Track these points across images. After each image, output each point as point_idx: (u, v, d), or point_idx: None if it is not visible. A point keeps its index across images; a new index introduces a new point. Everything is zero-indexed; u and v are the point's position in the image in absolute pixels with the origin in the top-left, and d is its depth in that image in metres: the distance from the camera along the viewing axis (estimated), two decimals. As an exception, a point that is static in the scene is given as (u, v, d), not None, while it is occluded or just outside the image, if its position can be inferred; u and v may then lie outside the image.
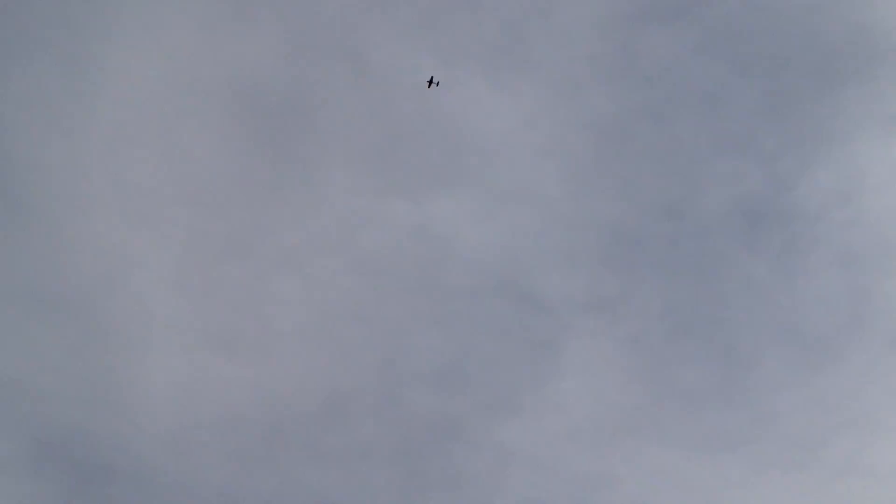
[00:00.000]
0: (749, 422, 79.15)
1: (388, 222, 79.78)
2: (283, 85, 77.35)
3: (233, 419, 76.45)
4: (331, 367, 79.43)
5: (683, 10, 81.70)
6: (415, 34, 79.83)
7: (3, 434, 70.02)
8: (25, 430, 70.92)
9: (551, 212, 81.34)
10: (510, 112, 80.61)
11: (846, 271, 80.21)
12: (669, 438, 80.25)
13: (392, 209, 79.83)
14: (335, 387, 79.15)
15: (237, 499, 73.91)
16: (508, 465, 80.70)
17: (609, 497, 79.78)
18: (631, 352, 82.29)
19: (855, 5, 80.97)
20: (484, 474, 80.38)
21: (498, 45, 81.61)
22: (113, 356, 74.60)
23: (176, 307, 76.17)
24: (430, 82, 71.60)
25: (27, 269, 73.60)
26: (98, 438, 73.06)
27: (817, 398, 77.19)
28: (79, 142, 73.05)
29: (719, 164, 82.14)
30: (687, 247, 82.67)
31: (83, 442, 72.34)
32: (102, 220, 75.00)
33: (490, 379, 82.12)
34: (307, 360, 79.20)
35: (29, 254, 73.57)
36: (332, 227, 78.57)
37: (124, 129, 74.82)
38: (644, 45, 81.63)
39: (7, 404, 71.02)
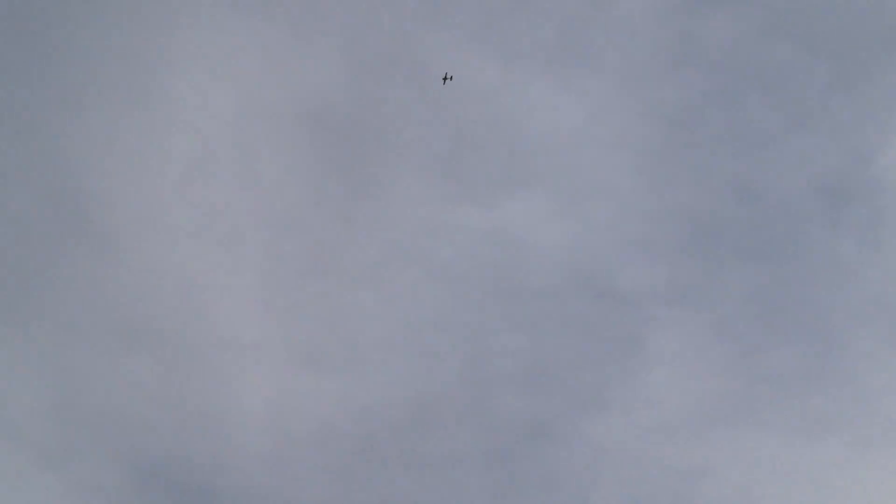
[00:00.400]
0: (846, 401, 77.23)
1: (462, 229, 79.93)
2: (349, 102, 78.21)
3: (325, 433, 77.09)
4: (417, 375, 79.70)
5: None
6: (473, 40, 79.93)
7: (108, 464, 71.70)
8: (128, 458, 72.52)
9: (625, 204, 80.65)
10: (575, 108, 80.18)
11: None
12: (765, 424, 78.71)
13: (465, 215, 79.97)
14: (423, 395, 79.37)
15: (335, 502, 74.54)
16: (602, 462, 79.94)
17: (707, 487, 78.50)
18: (718, 339, 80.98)
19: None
20: (578, 473, 79.75)
21: (557, 43, 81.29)
22: (205, 380, 75.90)
23: (262, 328, 77.27)
24: (445, 78, 71.52)
25: (117, 303, 75.42)
26: (197, 461, 74.32)
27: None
28: (157, 176, 74.80)
29: (793, 143, 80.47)
30: (766, 228, 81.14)
31: (183, 466, 73.66)
32: (185, 250, 76.53)
33: (576, 376, 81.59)
34: (393, 371, 79.53)
35: (117, 289, 75.41)
36: (407, 238, 79.02)
37: (199, 160, 76.39)
38: (706, 28, 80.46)
39: (109, 435, 72.72)
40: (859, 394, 77.28)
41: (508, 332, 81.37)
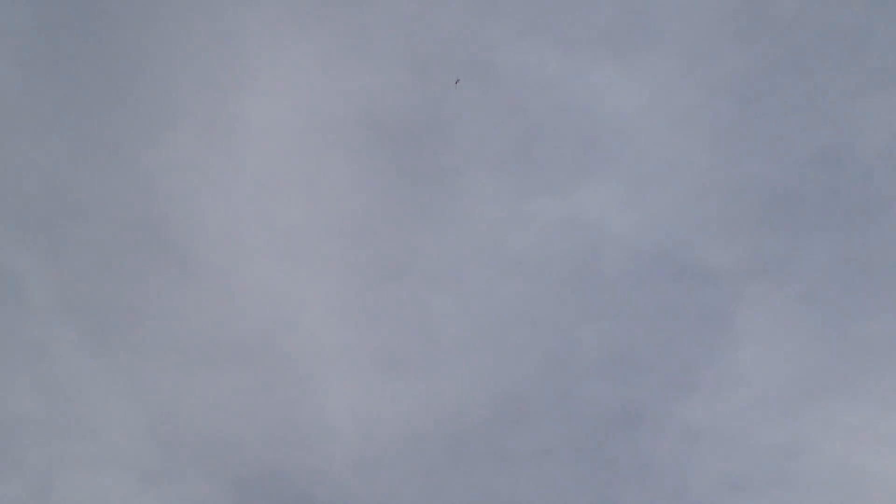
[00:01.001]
0: (947, 366, 74.63)
1: (536, 221, 79.22)
2: (411, 103, 77.99)
3: (413, 436, 77.44)
4: (501, 372, 79.42)
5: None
6: (530, 30, 78.95)
7: (207, 481, 72.97)
8: (225, 474, 73.75)
9: (700, 181, 78.99)
10: (641, 88, 78.71)
11: None
12: (861, 394, 76.66)
13: (538, 207, 79.23)
14: (508, 391, 79.09)
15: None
16: (696, 445, 78.74)
17: (805, 463, 76.82)
18: (807, 311, 78.93)
19: None
20: (672, 457, 78.71)
21: (615, 24, 79.81)
22: (293, 392, 76.75)
23: (343, 337, 77.75)
24: (457, 81, 70.94)
25: (203, 324, 76.60)
26: (293, 473, 75.30)
27: None
28: (230, 195, 75.71)
29: (872, 102, 77.68)
30: (849, 193, 78.65)
31: (280, 478, 74.67)
32: (262, 266, 77.31)
33: (663, 360, 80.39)
34: (477, 369, 79.37)
35: (203, 309, 76.58)
36: (480, 235, 78.59)
37: (269, 176, 77.08)
38: (768, -7, 78.19)
39: (206, 452, 74.00)
40: (961, 357, 74.72)
41: (591, 321, 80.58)
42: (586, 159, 79.70)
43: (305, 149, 76.70)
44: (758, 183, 78.99)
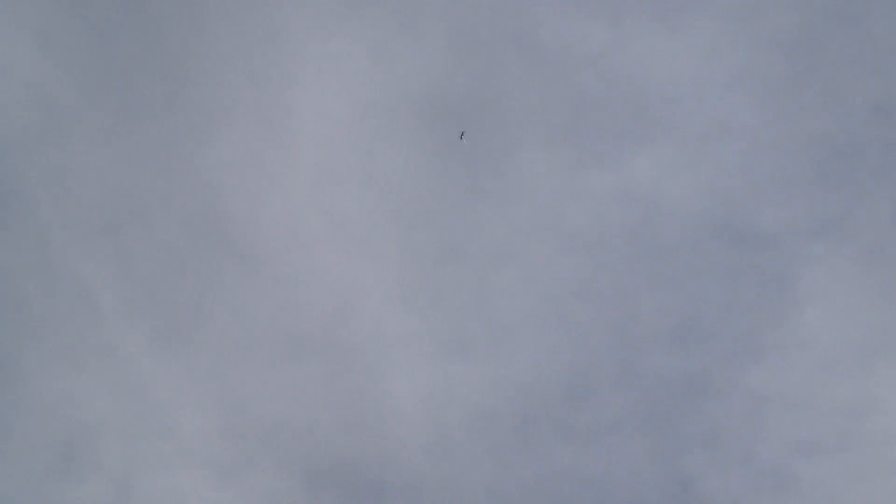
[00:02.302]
0: None
1: (592, 193, 78.90)
2: (461, 84, 77.91)
3: (481, 417, 77.67)
4: (565, 347, 79.41)
5: None
6: (575, 3, 78.51)
7: (280, 472, 73.80)
8: (298, 464, 74.55)
9: (754, 142, 78.11)
10: (689, 52, 77.86)
11: None
12: (931, 350, 75.61)
13: (592, 179, 78.88)
14: (573, 366, 79.07)
15: (501, 491, 75.14)
16: (764, 410, 78.28)
17: (876, 422, 76.18)
18: (869, 269, 78.00)
19: None
20: (740, 424, 78.34)
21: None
22: (360, 380, 77.27)
23: (406, 321, 78.09)
24: (462, 135, 70.64)
25: (266, 317, 77.41)
26: (364, 459, 75.88)
27: None
28: (287, 188, 76.31)
29: (927, 52, 76.24)
30: (907, 145, 77.38)
31: (351, 466, 75.29)
32: (322, 255, 77.86)
33: (726, 327, 79.92)
34: (541, 346, 79.37)
35: (265, 303, 77.33)
36: (537, 210, 78.45)
37: (324, 165, 77.51)
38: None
39: (278, 446, 74.81)
40: None
41: (652, 291, 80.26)
42: (637, 128, 79.22)
43: (359, 136, 77.09)
44: (813, 140, 77.98)
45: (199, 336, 76.04)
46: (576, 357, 79.72)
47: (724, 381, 79.29)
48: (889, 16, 76.62)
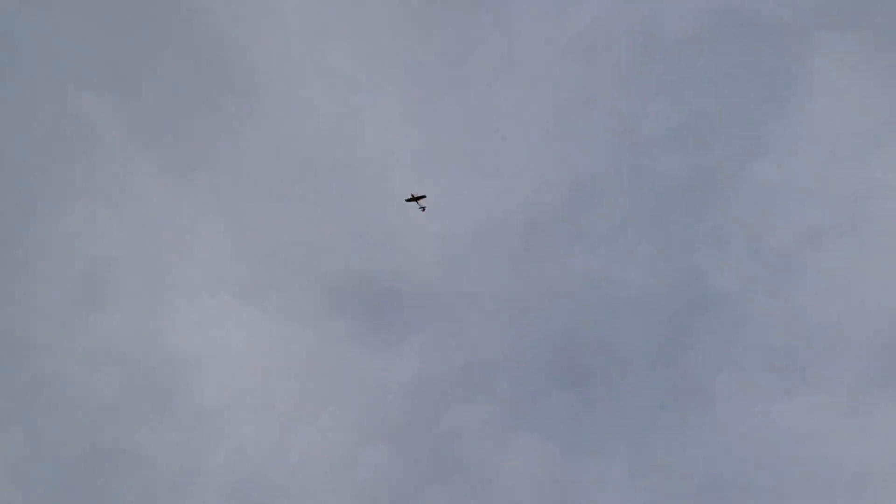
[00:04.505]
0: None
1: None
2: None
3: (489, 229, 78.49)
4: (570, 154, 79.46)
5: None
6: None
7: (299, 289, 75.31)
8: (315, 281, 75.94)
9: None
10: None
11: None
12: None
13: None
14: (579, 173, 79.39)
15: (513, 297, 76.57)
16: (771, 201, 78.62)
17: (881, 207, 76.77)
18: (877, 57, 76.47)
19: None
20: (747, 216, 78.94)
21: None
22: (371, 199, 77.90)
23: (412, 140, 78.20)
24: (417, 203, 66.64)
25: (273, 144, 77.24)
26: (379, 273, 77.21)
27: None
28: (286, 14, 74.77)
29: None
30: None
31: (369, 277, 76.49)
32: (324, 81, 77.07)
33: (733, 122, 79.51)
34: (545, 155, 79.36)
35: (271, 131, 77.10)
36: (534, 17, 76.59)
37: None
38: None
39: (295, 264, 76.04)
40: None
41: (654, 92, 79.32)
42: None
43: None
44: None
45: (208, 165, 76.33)
46: (581, 163, 79.73)
47: (731, 174, 79.33)
48: None
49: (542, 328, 76.36)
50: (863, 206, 77.78)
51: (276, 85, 78.64)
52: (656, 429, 73.03)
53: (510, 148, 79.79)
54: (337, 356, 74.54)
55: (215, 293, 75.85)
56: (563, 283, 78.16)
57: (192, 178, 76.96)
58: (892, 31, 77.93)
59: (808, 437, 70.41)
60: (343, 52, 79.36)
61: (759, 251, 78.28)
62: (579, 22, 78.91)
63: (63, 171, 74.65)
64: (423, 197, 65.45)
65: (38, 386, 67.67)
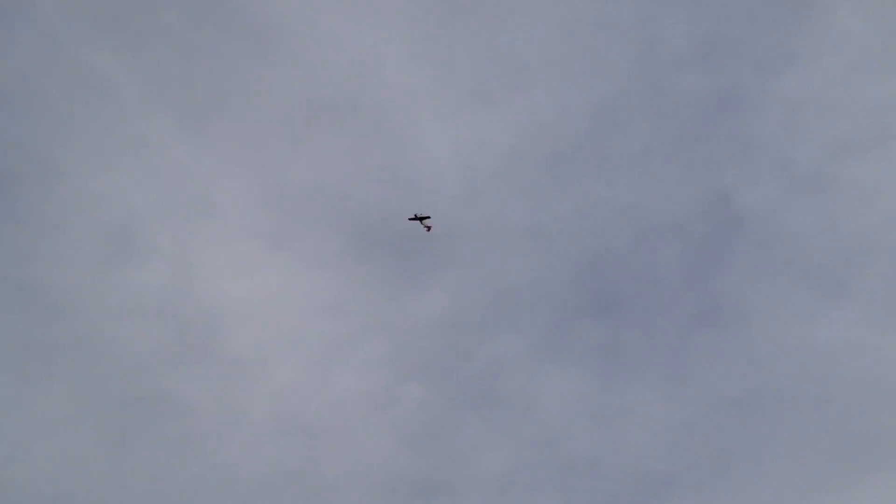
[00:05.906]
0: None
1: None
2: None
3: (512, 161, 77.90)
4: (588, 81, 78.72)
5: None
6: None
7: (325, 232, 75.15)
8: (340, 223, 75.86)
9: None
10: None
11: None
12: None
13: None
14: (600, 101, 78.82)
15: (538, 228, 76.07)
16: (798, 115, 77.42)
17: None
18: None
19: None
20: (774, 132, 78.13)
21: None
22: (392, 139, 77.72)
23: (428, 77, 77.44)
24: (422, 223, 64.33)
25: (288, 91, 76.57)
26: (404, 213, 76.84)
27: None
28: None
29: None
30: None
31: (392, 221, 76.10)
32: (334, 24, 76.12)
33: (755, 36, 77.95)
34: (563, 83, 78.79)
35: (285, 78, 76.41)
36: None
37: None
38: None
39: (320, 207, 76.04)
40: None
41: (673, 9, 77.88)
42: None
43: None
44: None
45: (226, 117, 76.31)
46: (600, 89, 78.74)
47: (755, 91, 78.05)
48: None
49: (570, 257, 76.22)
50: (891, 116, 76.27)
51: (290, 28, 78.14)
52: (691, 351, 72.81)
53: (527, 78, 78.96)
54: (367, 297, 74.88)
55: (244, 241, 76.24)
56: (589, 210, 77.63)
57: (211, 130, 77.08)
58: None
59: (846, 350, 69.73)
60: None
61: (786, 166, 77.21)
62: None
63: (87, 130, 74.88)
64: (428, 217, 64.76)
65: (77, 342, 68.54)
